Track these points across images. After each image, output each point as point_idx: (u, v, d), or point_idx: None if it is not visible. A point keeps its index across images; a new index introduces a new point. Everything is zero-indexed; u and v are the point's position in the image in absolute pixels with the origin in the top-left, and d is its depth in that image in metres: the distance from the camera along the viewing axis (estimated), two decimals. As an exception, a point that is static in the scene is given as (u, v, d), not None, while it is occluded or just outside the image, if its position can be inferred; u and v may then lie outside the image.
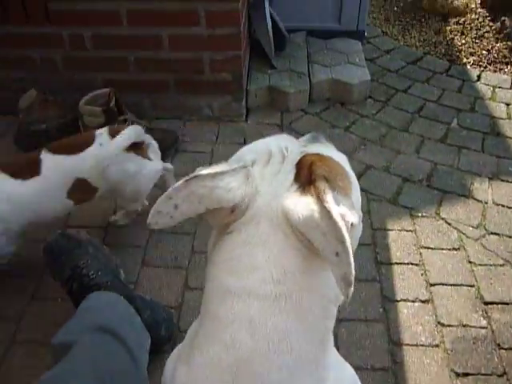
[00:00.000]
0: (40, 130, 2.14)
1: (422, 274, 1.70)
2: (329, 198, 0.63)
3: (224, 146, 2.23)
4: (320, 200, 0.62)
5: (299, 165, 0.71)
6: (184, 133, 2.29)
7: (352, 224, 0.65)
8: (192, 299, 1.60)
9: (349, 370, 0.84)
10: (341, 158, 0.77)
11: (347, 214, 0.64)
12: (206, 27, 2.12)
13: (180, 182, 0.66)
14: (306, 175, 0.68)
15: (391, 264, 1.74)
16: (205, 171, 0.67)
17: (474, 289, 1.66)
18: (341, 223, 0.61)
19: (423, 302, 1.62)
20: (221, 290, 0.70)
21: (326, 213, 0.61)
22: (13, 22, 2.15)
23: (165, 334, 1.41)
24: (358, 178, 2.13)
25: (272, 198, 0.69)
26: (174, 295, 1.62)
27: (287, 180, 0.70)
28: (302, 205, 0.64)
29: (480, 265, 1.74)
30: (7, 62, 2.26)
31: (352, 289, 0.62)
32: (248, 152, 0.76)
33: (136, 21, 2.13)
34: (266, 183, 0.70)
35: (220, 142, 2.25)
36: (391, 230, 1.86)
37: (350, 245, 0.61)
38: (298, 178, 0.69)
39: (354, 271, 0.61)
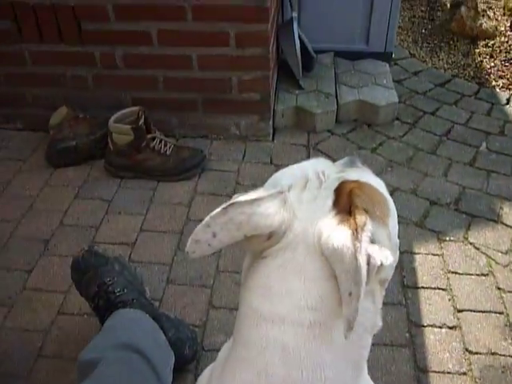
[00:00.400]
0: (70, 146, 2.18)
1: (449, 300, 1.67)
2: (364, 236, 0.62)
3: (250, 165, 2.24)
4: (354, 236, 0.61)
5: (338, 191, 0.70)
6: (211, 151, 2.31)
7: (382, 264, 0.63)
8: (216, 318, 1.60)
9: None
10: (379, 184, 0.75)
11: (376, 254, 0.62)
12: (235, 48, 2.15)
13: (218, 209, 0.66)
14: (345, 203, 0.67)
15: (418, 288, 1.71)
16: (242, 197, 0.66)
17: (503, 316, 1.63)
18: (364, 268, 0.60)
19: (450, 328, 1.59)
20: (254, 315, 0.69)
21: (353, 251, 0.61)
22: (46, 41, 2.20)
23: (189, 352, 1.40)
24: (385, 200, 2.10)
25: (310, 223, 0.67)
26: (198, 314, 1.62)
27: (325, 206, 0.69)
28: (336, 235, 0.63)
29: (509, 292, 1.70)
30: (40, 79, 2.31)
31: (351, 333, 0.61)
32: (283, 176, 0.75)
33: (166, 41, 2.17)
34: (304, 208, 0.69)
35: (246, 161, 2.26)
36: (418, 253, 1.83)
37: (363, 290, 0.60)
38: (336, 204, 0.68)
39: (356, 317, 0.60)
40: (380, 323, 0.74)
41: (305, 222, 0.68)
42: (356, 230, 0.62)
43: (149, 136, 2.10)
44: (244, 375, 0.68)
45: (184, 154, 2.17)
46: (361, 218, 0.63)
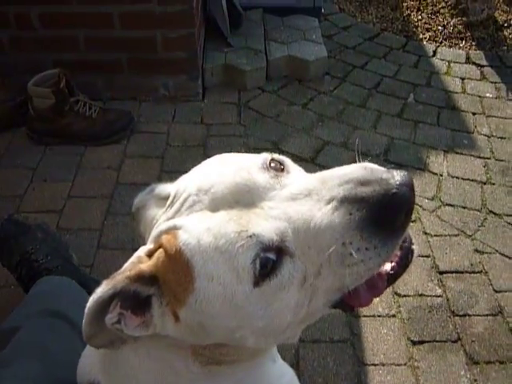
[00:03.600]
0: (-12, 113, 2.07)
1: (379, 247, 1.72)
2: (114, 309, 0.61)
3: (180, 125, 2.20)
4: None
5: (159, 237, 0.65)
6: (140, 113, 2.25)
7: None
8: (149, 280, 1.58)
9: None
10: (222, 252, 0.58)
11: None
12: (157, 4, 2.07)
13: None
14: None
15: (349, 238, 1.74)
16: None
17: (429, 259, 1.69)
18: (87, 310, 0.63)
19: (380, 274, 1.64)
20: None
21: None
22: (-46, 2, 2.05)
23: (120, 316, 1.38)
24: (316, 153, 2.13)
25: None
26: (131, 277, 1.59)
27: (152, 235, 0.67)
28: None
29: (435, 235, 1.76)
30: (-49, 43, 2.16)
31: None
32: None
33: (85, -2, 2.06)
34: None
35: (176, 121, 2.22)
36: (349, 204, 1.86)
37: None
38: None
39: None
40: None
41: None
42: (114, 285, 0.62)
43: (72, 99, 2.02)
44: None
45: (111, 117, 2.10)
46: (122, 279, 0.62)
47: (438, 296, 1.58)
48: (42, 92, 1.96)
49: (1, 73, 2.16)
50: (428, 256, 1.69)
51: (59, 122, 2.02)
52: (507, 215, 1.85)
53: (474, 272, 1.65)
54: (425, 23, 3.07)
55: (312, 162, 2.02)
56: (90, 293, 1.29)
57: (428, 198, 1.90)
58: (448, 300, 1.57)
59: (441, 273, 1.64)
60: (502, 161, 2.09)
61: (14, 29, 2.13)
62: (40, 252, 1.33)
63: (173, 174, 0.73)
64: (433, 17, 3.13)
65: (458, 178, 2.00)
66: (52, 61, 2.21)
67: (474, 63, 2.71)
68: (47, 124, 2.03)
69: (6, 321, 1.14)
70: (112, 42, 2.17)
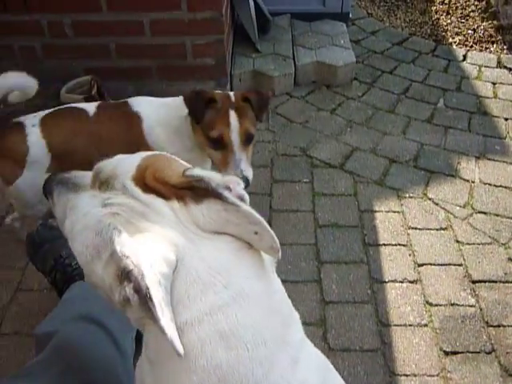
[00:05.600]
0: (21, 120, 2.10)
1: (409, 255, 1.70)
2: (227, 193, 0.64)
3: (209, 131, 2.21)
4: (221, 198, 0.64)
5: (143, 186, 0.67)
6: (169, 119, 2.26)
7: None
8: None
9: (316, 351, 0.80)
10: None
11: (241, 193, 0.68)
12: (187, 11, 2.09)
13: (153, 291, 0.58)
14: (166, 189, 0.66)
15: (379, 245, 1.73)
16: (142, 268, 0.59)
17: (461, 268, 1.66)
18: (248, 210, 0.63)
19: (411, 282, 1.62)
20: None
21: (232, 208, 0.64)
22: (-10, 11, 2.10)
23: (151, 321, 1.39)
24: (345, 160, 2.11)
25: (182, 234, 0.65)
26: (161, 283, 1.60)
27: (159, 209, 0.66)
28: (205, 211, 0.65)
29: (467, 244, 1.74)
30: (-14, 51, 2.22)
31: (280, 252, 0.66)
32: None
33: (116, 6, 2.09)
34: (157, 226, 0.65)
35: (205, 127, 2.23)
36: (378, 211, 1.85)
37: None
38: (166, 196, 0.66)
39: (276, 238, 0.65)
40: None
41: (178, 235, 0.65)
42: (213, 194, 0.66)
43: (103, 106, 2.04)
44: (189, 381, 0.63)
45: (141, 123, 2.12)
46: (200, 183, 0.67)
47: (471, 306, 1.55)
48: (75, 99, 1.99)
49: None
50: (460, 265, 1.67)
51: (90, 128, 2.05)
52: (542, 223, 1.81)
53: (508, 281, 1.62)
54: (454, 27, 3.04)
55: (341, 169, 2.01)
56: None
57: (460, 206, 1.87)
58: (481, 310, 1.54)
59: (473, 282, 1.62)
60: (535, 167, 2.05)
61: (47, 37, 2.17)
62: (73, 257, 1.34)
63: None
64: (462, 20, 3.10)
65: (490, 184, 1.96)
66: (84, 68, 2.24)
67: (505, 67, 2.67)
68: (79, 130, 2.06)
69: (41, 325, 1.15)
70: (142, 49, 2.20)
